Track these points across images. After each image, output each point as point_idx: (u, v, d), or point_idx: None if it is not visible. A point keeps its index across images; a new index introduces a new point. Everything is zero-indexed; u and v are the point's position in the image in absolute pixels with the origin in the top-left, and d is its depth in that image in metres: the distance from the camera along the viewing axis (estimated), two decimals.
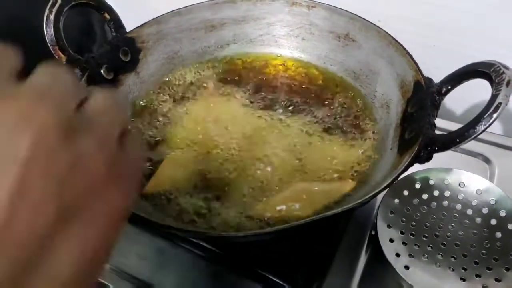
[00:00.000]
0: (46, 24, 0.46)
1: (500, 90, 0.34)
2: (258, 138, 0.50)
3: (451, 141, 0.36)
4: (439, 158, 0.39)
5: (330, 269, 0.46)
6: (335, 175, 0.46)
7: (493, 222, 0.44)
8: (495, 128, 0.63)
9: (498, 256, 0.42)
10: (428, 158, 0.37)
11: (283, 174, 0.46)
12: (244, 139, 0.49)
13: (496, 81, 0.35)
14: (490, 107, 0.34)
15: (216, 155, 0.48)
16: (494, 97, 0.34)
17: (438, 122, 0.40)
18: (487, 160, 0.56)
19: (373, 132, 0.49)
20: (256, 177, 0.46)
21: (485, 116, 0.34)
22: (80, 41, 0.81)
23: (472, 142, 0.37)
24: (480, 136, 0.35)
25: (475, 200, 0.46)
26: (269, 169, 0.46)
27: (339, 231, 0.49)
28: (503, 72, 0.35)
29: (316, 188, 0.44)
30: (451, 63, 0.42)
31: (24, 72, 0.20)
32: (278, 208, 0.43)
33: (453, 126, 0.39)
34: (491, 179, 0.53)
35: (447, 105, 0.67)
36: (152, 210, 0.43)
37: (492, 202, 0.45)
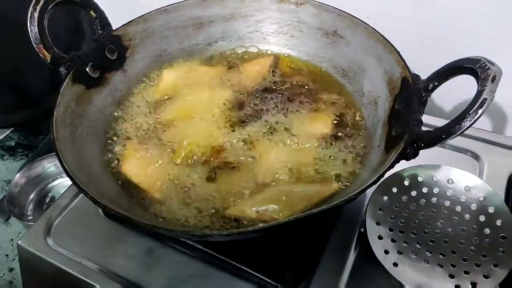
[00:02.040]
0: (30, 22, 0.45)
1: (486, 85, 0.34)
2: (240, 136, 0.49)
3: (437, 137, 0.36)
4: (428, 155, 0.39)
5: (318, 267, 0.46)
6: (318, 177, 0.45)
7: (482, 218, 0.44)
8: (483, 125, 0.63)
9: (487, 253, 0.42)
10: (415, 154, 0.37)
11: (264, 175, 0.45)
12: (224, 136, 0.49)
13: (482, 77, 0.35)
14: (476, 103, 0.34)
15: (194, 153, 0.48)
16: (479, 92, 0.34)
17: (427, 118, 0.40)
18: (476, 157, 0.55)
19: (362, 130, 0.49)
20: (235, 177, 0.45)
21: (470, 112, 0.34)
22: (69, 40, 0.80)
23: (461, 138, 0.36)
24: (468, 133, 0.35)
25: (464, 197, 0.46)
26: (248, 169, 0.46)
27: (328, 228, 0.49)
28: (488, 68, 0.35)
29: (296, 190, 0.43)
30: (440, 60, 0.42)
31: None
32: (255, 209, 0.42)
33: (442, 123, 0.39)
34: (480, 175, 0.53)
35: (435, 101, 0.67)
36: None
37: (481, 199, 0.45)
